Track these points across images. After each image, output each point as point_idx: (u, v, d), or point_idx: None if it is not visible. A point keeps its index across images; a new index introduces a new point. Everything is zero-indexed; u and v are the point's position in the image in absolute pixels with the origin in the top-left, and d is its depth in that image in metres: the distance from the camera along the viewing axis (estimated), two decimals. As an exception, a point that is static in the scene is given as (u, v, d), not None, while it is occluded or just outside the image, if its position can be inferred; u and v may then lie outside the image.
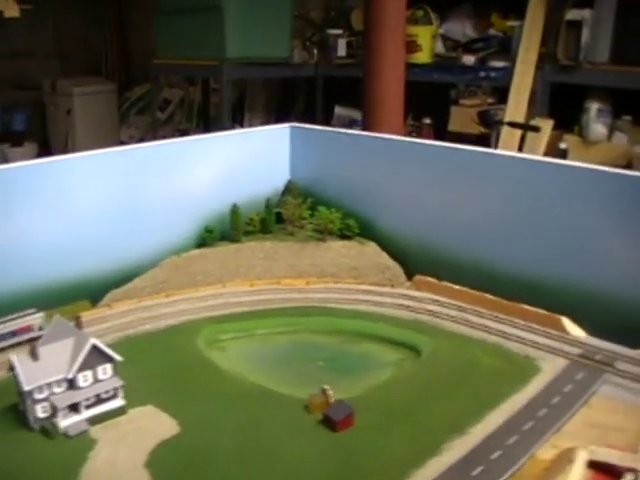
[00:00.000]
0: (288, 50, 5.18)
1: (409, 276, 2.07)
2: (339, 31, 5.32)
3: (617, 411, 1.40)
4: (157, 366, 1.59)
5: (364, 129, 3.03)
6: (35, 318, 1.70)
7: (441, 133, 4.84)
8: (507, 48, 4.57)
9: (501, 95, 4.50)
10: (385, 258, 2.13)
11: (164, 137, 5.47)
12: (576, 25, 4.10)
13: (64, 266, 1.88)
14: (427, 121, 4.99)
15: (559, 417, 1.36)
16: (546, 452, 1.26)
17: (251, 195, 2.27)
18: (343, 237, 2.17)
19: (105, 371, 1.38)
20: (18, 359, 1.33)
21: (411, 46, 4.89)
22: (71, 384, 1.35)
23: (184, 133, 6.57)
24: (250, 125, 6.04)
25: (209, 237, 2.14)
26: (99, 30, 7.89)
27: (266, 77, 6.02)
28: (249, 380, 1.55)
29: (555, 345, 1.65)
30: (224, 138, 2.30)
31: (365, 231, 2.20)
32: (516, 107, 4.34)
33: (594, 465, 1.21)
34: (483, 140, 4.20)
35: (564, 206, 1.81)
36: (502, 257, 1.93)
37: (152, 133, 6.05)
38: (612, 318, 1.71)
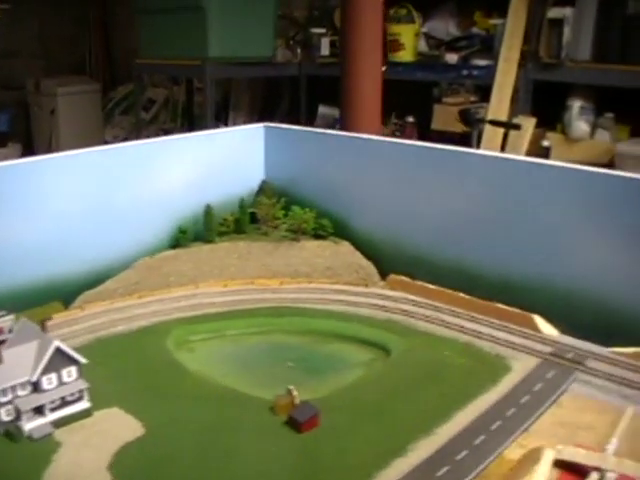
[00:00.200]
0: (271, 49, 5.17)
1: (383, 275, 2.07)
2: (322, 30, 5.31)
3: (587, 409, 1.40)
4: (125, 368, 1.58)
5: (342, 128, 3.02)
6: (5, 320, 1.67)
7: (424, 132, 4.85)
8: (490, 46, 4.58)
9: (484, 93, 4.51)
10: (359, 258, 2.12)
11: (148, 137, 5.45)
12: (558, 23, 4.11)
13: (36, 267, 1.86)
14: (410, 120, 4.99)
15: (528, 416, 1.36)
16: (513, 452, 1.25)
17: (226, 195, 2.25)
18: (317, 237, 2.16)
19: (70, 373, 1.37)
20: (-19, 362, 1.32)
21: (394, 45, 4.90)
22: (35, 387, 1.34)
23: (168, 133, 6.54)
24: (234, 124, 6.03)
25: (183, 238, 2.12)
26: (83, 30, 7.86)
27: (249, 76, 6.01)
28: (216, 381, 1.54)
29: (527, 344, 1.64)
30: (198, 138, 2.29)
31: (339, 231, 2.20)
32: (499, 105, 4.35)
33: (561, 464, 1.21)
34: (466, 138, 4.19)
35: (536, 205, 1.81)
36: (476, 256, 1.93)
37: (136, 133, 6.03)
38: (586, 316, 1.71)
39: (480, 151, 2.17)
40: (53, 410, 1.35)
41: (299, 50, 5.41)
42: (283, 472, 1.21)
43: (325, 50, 5.26)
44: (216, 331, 1.79)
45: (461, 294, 1.84)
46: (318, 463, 1.23)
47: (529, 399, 1.42)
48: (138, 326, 1.79)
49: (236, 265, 2.07)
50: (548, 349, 1.61)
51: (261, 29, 5.05)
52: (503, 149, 4.26)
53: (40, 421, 1.33)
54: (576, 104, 4.25)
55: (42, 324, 1.71)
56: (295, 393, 1.36)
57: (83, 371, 1.38)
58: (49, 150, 6.78)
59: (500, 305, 1.77)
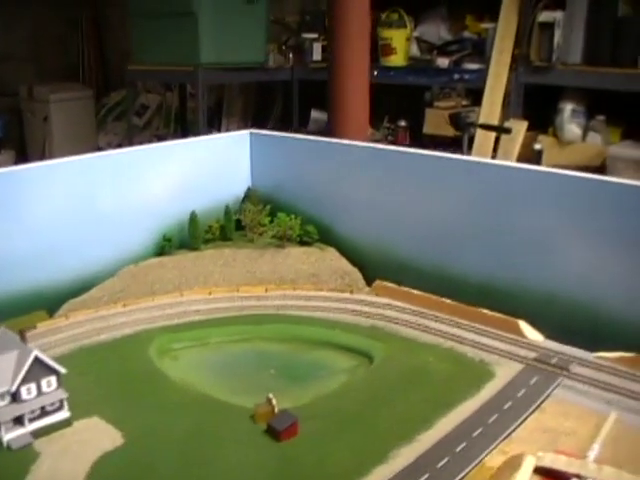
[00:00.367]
0: (263, 55, 5.18)
1: (369, 282, 2.06)
2: (314, 35, 5.33)
3: (569, 415, 1.39)
4: (107, 377, 1.57)
5: (329, 134, 3.02)
6: (-14, 330, 1.67)
7: (417, 135, 4.86)
8: (481, 50, 4.61)
9: (475, 97, 4.52)
10: (344, 264, 2.11)
11: (141, 143, 5.45)
12: (548, 26, 4.13)
13: (20, 276, 1.85)
14: (402, 124, 5.00)
15: (510, 423, 1.35)
16: (495, 459, 1.25)
17: (212, 202, 2.25)
18: (303, 243, 2.16)
19: (49, 383, 1.36)
20: (-39, 373, 1.31)
21: (385, 49, 4.91)
22: (14, 397, 1.33)
23: (162, 139, 6.54)
24: (227, 130, 6.03)
25: (168, 245, 2.12)
26: (75, 31, 7.84)
27: (242, 82, 6.02)
28: (198, 390, 1.53)
29: (511, 349, 1.64)
30: (183, 145, 2.28)
31: (324, 237, 2.19)
32: (490, 109, 4.35)
33: (541, 471, 1.20)
34: (458, 142, 4.20)
35: (520, 210, 1.81)
36: (461, 262, 1.93)
37: (129, 139, 6.03)
38: (571, 321, 1.71)
39: (464, 157, 2.17)
40: (32, 420, 1.33)
41: (291, 55, 5.42)
42: (261, 481, 1.21)
43: (317, 55, 5.28)
44: (200, 339, 1.78)
45: (446, 300, 1.84)
46: (297, 471, 1.22)
47: (512, 405, 1.41)
48: (122, 334, 1.78)
49: (221, 272, 2.06)
50: (532, 354, 1.60)
51: (253, 34, 5.06)
52: (495, 153, 4.27)
53: (19, 431, 1.32)
54: (568, 107, 4.26)
55: (21, 334, 1.70)
56: (274, 402, 1.35)
57: (64, 380, 1.37)
58: (42, 157, 6.77)
59: (485, 311, 1.76)
